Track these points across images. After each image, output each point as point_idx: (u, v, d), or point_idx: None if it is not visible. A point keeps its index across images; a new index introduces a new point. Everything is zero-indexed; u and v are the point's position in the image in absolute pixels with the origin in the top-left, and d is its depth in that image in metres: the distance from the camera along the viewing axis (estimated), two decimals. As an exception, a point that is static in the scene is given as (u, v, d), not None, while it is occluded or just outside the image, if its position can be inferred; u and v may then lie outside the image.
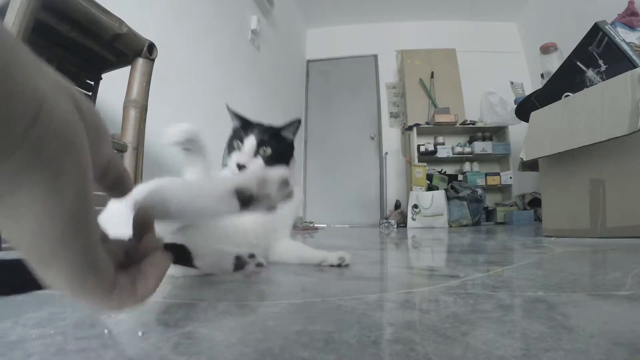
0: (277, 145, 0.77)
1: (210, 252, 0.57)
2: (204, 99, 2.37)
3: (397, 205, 3.83)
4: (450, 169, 3.89)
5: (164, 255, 0.23)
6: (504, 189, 3.81)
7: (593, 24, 1.41)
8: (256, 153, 0.75)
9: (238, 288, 0.59)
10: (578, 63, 1.45)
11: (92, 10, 0.98)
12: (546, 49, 2.09)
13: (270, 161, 0.75)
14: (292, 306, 0.43)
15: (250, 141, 0.75)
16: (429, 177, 3.54)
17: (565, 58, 1.55)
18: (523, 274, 0.65)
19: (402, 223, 3.38)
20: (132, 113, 1.14)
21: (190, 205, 0.35)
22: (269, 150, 0.76)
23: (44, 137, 0.14)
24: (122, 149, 1.09)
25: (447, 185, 3.44)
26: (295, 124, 0.82)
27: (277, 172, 0.49)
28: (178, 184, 0.42)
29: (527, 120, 1.66)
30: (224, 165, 0.80)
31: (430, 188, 3.41)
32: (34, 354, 0.27)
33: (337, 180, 4.38)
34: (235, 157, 0.74)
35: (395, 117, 4.39)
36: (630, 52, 1.30)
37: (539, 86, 1.86)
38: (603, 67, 1.37)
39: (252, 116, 0.84)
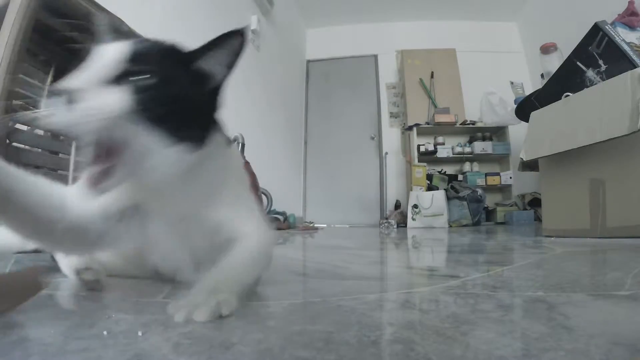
0: (178, 82, 0.40)
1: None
2: (204, 99, 2.37)
3: (397, 205, 3.83)
4: (450, 169, 3.89)
5: None
6: (504, 189, 3.81)
7: (593, 24, 1.41)
8: (120, 77, 0.37)
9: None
10: (578, 63, 1.45)
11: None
12: (546, 49, 2.09)
13: (151, 107, 0.36)
14: (292, 306, 0.43)
15: (112, 51, 0.38)
16: (429, 177, 3.54)
17: (565, 58, 1.55)
18: (523, 274, 0.65)
19: (402, 223, 3.38)
20: (132, 113, 1.14)
21: None
22: (151, 81, 0.37)
23: None
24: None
25: (447, 185, 3.44)
26: (229, 45, 0.42)
27: None
28: None
29: (527, 120, 1.66)
30: None
31: (430, 188, 3.40)
32: (34, 354, 0.27)
33: (337, 180, 4.38)
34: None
35: (395, 117, 4.39)
36: (630, 52, 1.30)
37: (539, 86, 1.86)
38: (603, 67, 1.37)
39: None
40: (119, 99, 0.35)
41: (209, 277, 0.41)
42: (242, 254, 0.45)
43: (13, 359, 0.26)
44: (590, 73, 1.41)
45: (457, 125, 3.78)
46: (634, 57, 1.29)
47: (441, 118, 3.73)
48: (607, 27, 1.37)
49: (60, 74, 1.12)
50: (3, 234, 0.46)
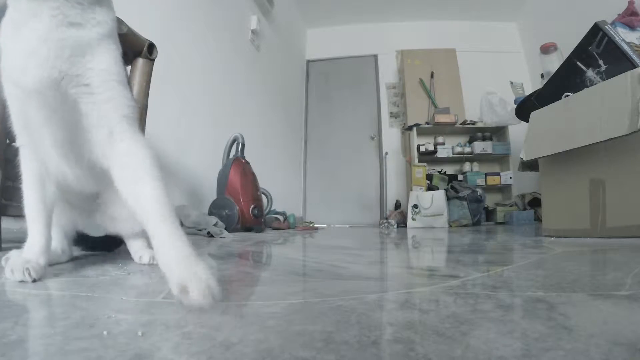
0: None
1: None
2: (204, 99, 2.37)
3: (397, 205, 3.83)
4: (450, 169, 3.89)
5: None
6: (504, 189, 3.81)
7: (593, 24, 1.41)
8: None
9: (238, 288, 0.59)
10: (578, 63, 1.45)
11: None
12: (546, 49, 2.09)
13: None
14: (292, 306, 0.43)
15: None
16: (429, 177, 3.54)
17: (565, 58, 1.55)
18: (523, 274, 0.65)
19: (402, 223, 3.38)
20: (132, 113, 1.14)
21: None
22: None
23: None
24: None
25: (447, 185, 3.44)
26: None
27: None
28: None
29: (527, 120, 1.65)
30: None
31: (430, 188, 3.40)
32: (34, 354, 0.27)
33: (337, 180, 4.38)
34: None
35: (395, 117, 4.39)
36: (630, 52, 1.30)
37: (539, 86, 1.86)
38: (603, 67, 1.37)
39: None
40: None
41: (173, 251, 0.43)
42: (164, 210, 0.46)
43: (13, 359, 0.26)
44: (590, 73, 1.41)
45: (457, 125, 3.78)
46: (634, 57, 1.29)
47: (441, 118, 3.73)
48: (607, 27, 1.37)
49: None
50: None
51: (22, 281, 0.52)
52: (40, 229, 0.57)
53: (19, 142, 0.58)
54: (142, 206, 0.46)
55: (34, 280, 0.52)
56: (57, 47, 0.47)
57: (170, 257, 0.42)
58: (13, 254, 0.55)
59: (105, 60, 0.51)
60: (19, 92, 0.51)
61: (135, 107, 0.54)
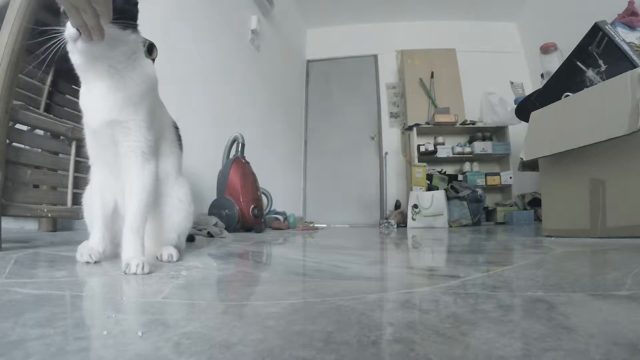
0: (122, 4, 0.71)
1: None
2: (204, 99, 2.37)
3: (397, 205, 3.83)
4: (450, 169, 3.89)
5: None
6: (504, 189, 3.81)
7: (593, 24, 1.41)
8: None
9: (238, 288, 0.59)
10: (578, 63, 1.45)
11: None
12: (546, 49, 2.09)
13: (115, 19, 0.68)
14: (292, 306, 0.43)
15: None
16: (429, 177, 3.54)
17: (565, 58, 1.55)
18: (523, 274, 0.65)
19: (402, 223, 3.38)
20: (132, 113, 1.14)
21: None
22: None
23: None
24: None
25: (447, 185, 3.44)
26: None
27: None
28: None
29: (527, 120, 1.66)
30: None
31: (430, 188, 3.40)
32: (34, 354, 0.27)
33: (337, 180, 4.38)
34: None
35: (395, 117, 4.39)
36: (630, 52, 1.30)
37: (539, 86, 1.86)
38: (603, 67, 1.37)
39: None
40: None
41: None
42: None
43: (13, 359, 0.26)
44: (590, 73, 1.41)
45: (457, 125, 3.78)
46: (634, 57, 1.29)
47: (441, 118, 3.73)
48: (607, 27, 1.37)
49: (60, 73, 1.12)
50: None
51: (87, 262, 0.71)
52: (100, 225, 0.77)
53: (90, 163, 0.80)
54: (126, 214, 0.72)
55: (95, 262, 0.72)
56: (111, 102, 0.70)
57: (126, 248, 0.68)
58: (84, 243, 0.76)
59: (141, 112, 0.74)
60: (90, 130, 0.74)
61: (152, 144, 0.77)
